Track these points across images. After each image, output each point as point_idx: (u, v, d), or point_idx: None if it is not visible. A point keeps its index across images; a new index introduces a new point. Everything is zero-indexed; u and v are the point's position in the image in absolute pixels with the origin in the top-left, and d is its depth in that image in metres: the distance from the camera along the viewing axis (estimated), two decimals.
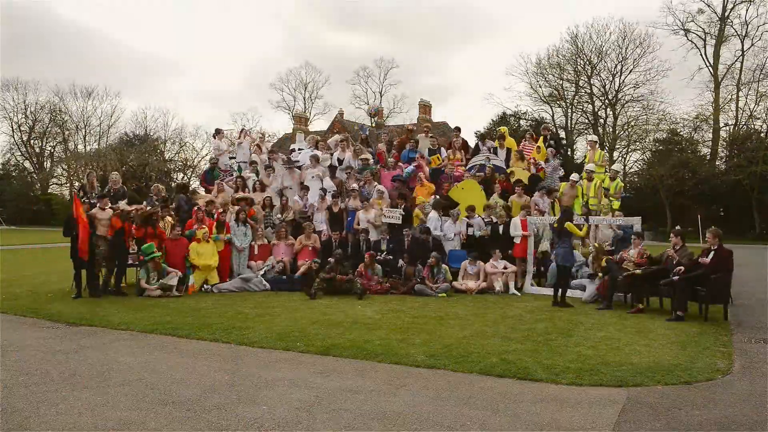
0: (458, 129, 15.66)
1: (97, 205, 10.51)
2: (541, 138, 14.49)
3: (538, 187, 12.75)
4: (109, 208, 10.53)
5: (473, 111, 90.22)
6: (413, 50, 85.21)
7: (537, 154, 13.92)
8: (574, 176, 12.99)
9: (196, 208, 11.68)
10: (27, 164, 56.69)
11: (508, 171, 13.65)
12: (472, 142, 15.96)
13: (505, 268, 11.10)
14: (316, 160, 13.76)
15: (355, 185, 13.01)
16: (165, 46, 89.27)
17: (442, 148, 14.41)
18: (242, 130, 16.45)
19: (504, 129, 15.72)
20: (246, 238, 11.77)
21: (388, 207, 12.37)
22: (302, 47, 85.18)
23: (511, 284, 10.88)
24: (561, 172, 13.52)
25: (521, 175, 13.27)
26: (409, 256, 11.14)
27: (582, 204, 12.20)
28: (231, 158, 15.02)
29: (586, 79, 44.77)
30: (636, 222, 10.86)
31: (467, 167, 13.92)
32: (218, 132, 15.72)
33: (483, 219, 11.94)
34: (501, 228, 11.71)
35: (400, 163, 13.95)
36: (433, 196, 12.61)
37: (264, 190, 13.29)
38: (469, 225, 11.96)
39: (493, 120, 45.74)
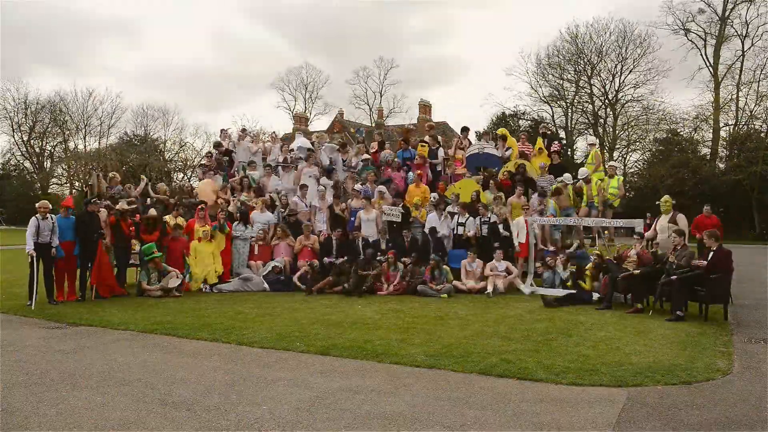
0: (466, 129, 15.35)
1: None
2: (539, 139, 14.46)
3: (539, 191, 12.74)
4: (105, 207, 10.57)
5: (473, 110, 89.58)
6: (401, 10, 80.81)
7: (540, 155, 13.89)
8: (567, 177, 12.97)
9: (199, 207, 11.72)
10: (27, 164, 56.67)
11: (506, 168, 13.61)
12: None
13: (507, 270, 11.08)
14: (312, 159, 13.79)
15: (358, 186, 13.00)
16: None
17: (441, 149, 14.38)
18: (243, 129, 16.46)
19: (503, 131, 15.65)
20: (246, 234, 11.87)
21: (388, 206, 12.37)
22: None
23: (522, 287, 10.86)
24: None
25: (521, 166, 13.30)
26: (416, 256, 11.19)
27: (586, 205, 12.24)
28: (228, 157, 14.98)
29: (586, 79, 44.76)
30: (638, 224, 10.85)
31: (466, 157, 13.91)
32: (223, 132, 15.78)
33: (480, 219, 11.92)
34: (501, 227, 11.68)
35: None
36: (433, 195, 12.61)
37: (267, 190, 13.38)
38: (460, 224, 11.94)
39: (493, 120, 45.79)
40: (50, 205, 9.59)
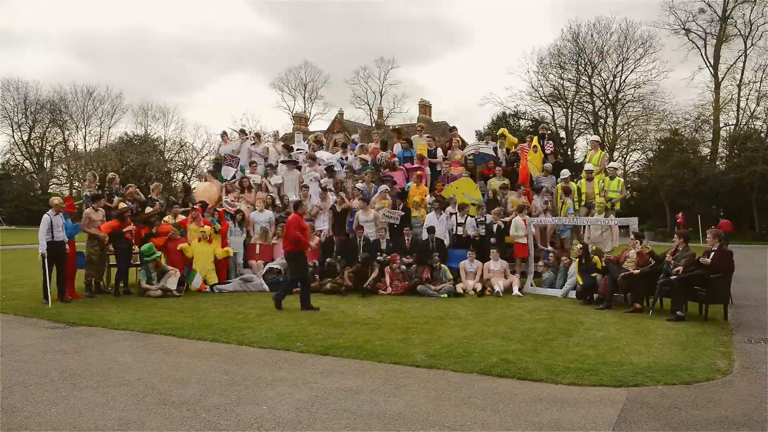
0: (455, 128, 15.63)
1: (91, 206, 10.52)
2: (535, 138, 14.46)
3: (535, 189, 12.75)
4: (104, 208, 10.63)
5: (472, 109, 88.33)
6: None
7: (534, 154, 13.88)
8: (564, 173, 12.95)
9: (192, 207, 11.72)
10: (27, 164, 56.70)
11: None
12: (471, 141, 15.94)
13: (505, 274, 11.08)
14: (313, 160, 13.77)
15: (359, 185, 13.00)
16: None
17: (439, 149, 14.38)
18: (241, 131, 16.46)
19: (503, 130, 15.68)
20: (240, 239, 11.84)
21: (389, 207, 12.36)
22: None
23: (515, 287, 10.86)
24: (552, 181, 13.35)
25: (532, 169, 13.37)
26: (419, 256, 11.19)
27: (583, 204, 12.21)
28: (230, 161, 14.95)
29: (587, 79, 44.74)
30: (633, 222, 10.83)
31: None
32: (224, 135, 15.83)
33: (476, 219, 11.93)
34: (495, 228, 11.66)
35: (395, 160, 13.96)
36: (428, 196, 12.62)
37: (267, 189, 13.36)
38: (460, 224, 11.94)
39: (493, 119, 45.80)
40: (62, 203, 9.67)
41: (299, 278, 9.32)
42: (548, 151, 14.03)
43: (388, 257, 11.34)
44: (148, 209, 11.56)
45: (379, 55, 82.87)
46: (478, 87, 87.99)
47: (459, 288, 10.69)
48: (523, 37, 78.52)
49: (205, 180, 13.83)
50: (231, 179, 14.06)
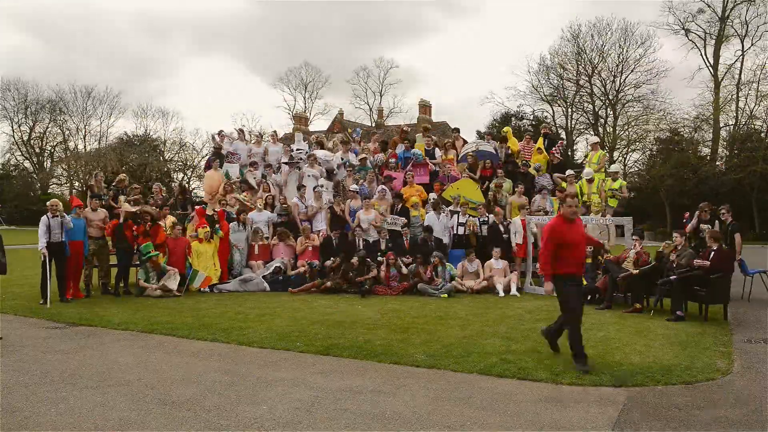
0: (457, 130, 15.64)
1: (90, 205, 10.54)
2: (540, 139, 14.44)
3: (538, 189, 12.75)
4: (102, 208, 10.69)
5: (472, 111, 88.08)
6: None
7: (538, 155, 13.89)
8: (569, 172, 12.96)
9: (200, 207, 11.75)
10: (27, 164, 56.72)
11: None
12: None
13: (505, 272, 11.07)
14: (314, 159, 13.76)
15: (355, 186, 12.99)
16: None
17: (437, 149, 14.38)
18: (240, 131, 16.44)
19: (507, 129, 15.70)
20: (242, 235, 11.84)
21: (387, 207, 12.37)
22: None
23: (513, 286, 10.85)
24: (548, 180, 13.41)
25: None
26: (418, 255, 11.18)
27: (582, 204, 12.21)
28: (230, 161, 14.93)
29: (587, 79, 44.74)
30: (627, 222, 10.83)
31: (459, 159, 13.95)
32: (219, 133, 15.82)
33: (479, 218, 11.94)
34: (501, 227, 11.67)
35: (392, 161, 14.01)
36: (431, 195, 12.62)
37: (268, 189, 13.36)
38: (461, 224, 11.95)
39: (494, 119, 45.78)
40: (60, 204, 9.63)
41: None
42: (556, 153, 14.02)
43: (390, 259, 11.34)
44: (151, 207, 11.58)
45: (376, 35, 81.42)
46: (478, 85, 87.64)
47: (458, 286, 10.69)
48: (527, 25, 77.78)
49: (213, 168, 13.81)
50: (235, 177, 14.08)
